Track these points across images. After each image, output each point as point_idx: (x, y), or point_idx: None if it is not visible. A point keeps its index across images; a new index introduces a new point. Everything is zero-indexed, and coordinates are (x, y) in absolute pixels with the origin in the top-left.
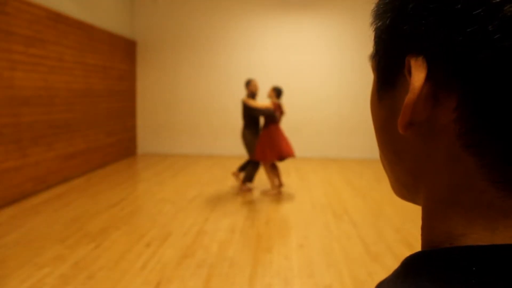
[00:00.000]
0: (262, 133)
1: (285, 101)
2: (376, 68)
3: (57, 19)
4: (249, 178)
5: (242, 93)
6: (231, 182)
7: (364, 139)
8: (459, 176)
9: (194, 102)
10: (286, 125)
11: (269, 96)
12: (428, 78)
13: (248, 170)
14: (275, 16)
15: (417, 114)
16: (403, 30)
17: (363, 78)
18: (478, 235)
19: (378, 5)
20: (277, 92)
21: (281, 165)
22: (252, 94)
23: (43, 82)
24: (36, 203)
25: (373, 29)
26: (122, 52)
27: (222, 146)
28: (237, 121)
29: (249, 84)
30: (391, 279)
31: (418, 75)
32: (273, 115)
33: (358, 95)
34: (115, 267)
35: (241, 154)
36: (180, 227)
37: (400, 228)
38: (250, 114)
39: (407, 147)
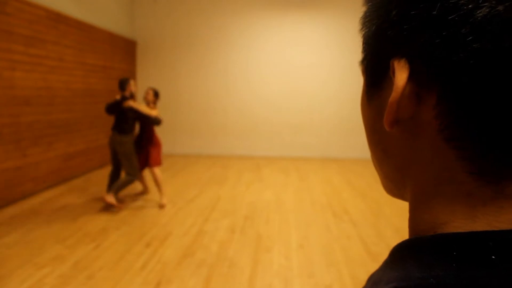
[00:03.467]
0: (155, 141)
1: (285, 101)
2: (365, 71)
3: (57, 19)
4: (121, 189)
5: (242, 92)
6: (231, 182)
7: (364, 139)
8: (441, 169)
9: (193, 102)
10: (286, 125)
11: (150, 101)
12: (410, 78)
13: (124, 181)
14: (275, 16)
15: (402, 111)
16: (388, 35)
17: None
18: (459, 223)
19: (364, 13)
20: (157, 95)
21: (281, 165)
22: (130, 96)
23: (43, 82)
24: (36, 203)
25: (361, 36)
26: (122, 52)
27: (222, 146)
28: (237, 121)
29: (128, 84)
30: (381, 268)
31: (401, 75)
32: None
33: (358, 95)
34: (115, 267)
35: (241, 153)
36: (180, 227)
37: (400, 228)
38: (135, 119)
39: (393, 144)
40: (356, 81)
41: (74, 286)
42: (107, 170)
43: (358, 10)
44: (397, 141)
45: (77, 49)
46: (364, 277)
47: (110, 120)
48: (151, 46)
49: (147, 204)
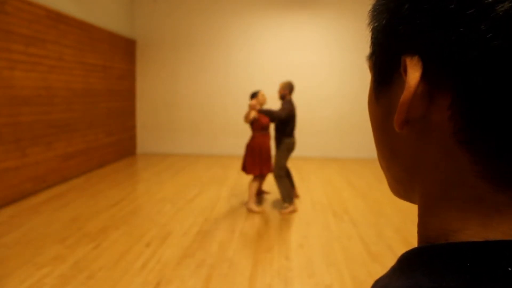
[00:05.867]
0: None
1: None
2: (373, 68)
3: (57, 18)
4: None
5: (241, 92)
6: (231, 182)
7: (364, 138)
8: (453, 172)
9: (194, 101)
10: None
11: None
12: (423, 77)
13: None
14: (274, 15)
15: (413, 112)
16: (399, 30)
17: (363, 78)
18: (472, 231)
19: (374, 6)
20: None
21: None
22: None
23: (43, 81)
24: (36, 203)
25: (370, 30)
26: (122, 52)
27: (222, 146)
28: (237, 121)
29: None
30: (388, 275)
31: (413, 74)
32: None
33: (358, 94)
34: (114, 267)
35: (241, 153)
36: (180, 227)
37: (401, 228)
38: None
39: (402, 144)
40: (356, 81)
41: (74, 286)
42: (106, 170)
43: (357, 10)
44: (406, 141)
45: (77, 48)
46: (364, 277)
47: (110, 119)
48: (151, 45)
49: (149, 203)
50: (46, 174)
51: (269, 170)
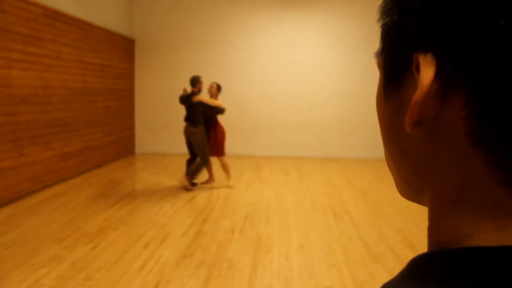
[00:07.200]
0: (219, 129)
1: (285, 100)
2: (383, 65)
3: (55, 17)
4: (196, 174)
5: (242, 91)
6: (231, 181)
7: (365, 138)
8: (466, 175)
9: None
10: (286, 124)
11: (214, 94)
12: (436, 75)
13: (198, 166)
14: (274, 14)
15: (425, 112)
16: (411, 26)
17: (364, 77)
18: (486, 236)
19: (385, 1)
20: (219, 88)
21: (282, 165)
22: (199, 91)
23: (41, 80)
24: (34, 203)
25: (380, 26)
26: (121, 51)
27: None
28: (237, 120)
29: (198, 81)
30: (396, 280)
31: (427, 72)
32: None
33: (359, 94)
34: (113, 268)
35: (240, 153)
36: (179, 227)
37: (401, 228)
38: (204, 112)
39: (413, 145)
40: (357, 80)
41: (72, 287)
42: (105, 170)
43: (358, 8)
44: (417, 142)
45: (75, 47)
46: (365, 278)
47: (108, 119)
48: (150, 44)
49: (147, 203)
50: (44, 174)
51: (217, 154)
